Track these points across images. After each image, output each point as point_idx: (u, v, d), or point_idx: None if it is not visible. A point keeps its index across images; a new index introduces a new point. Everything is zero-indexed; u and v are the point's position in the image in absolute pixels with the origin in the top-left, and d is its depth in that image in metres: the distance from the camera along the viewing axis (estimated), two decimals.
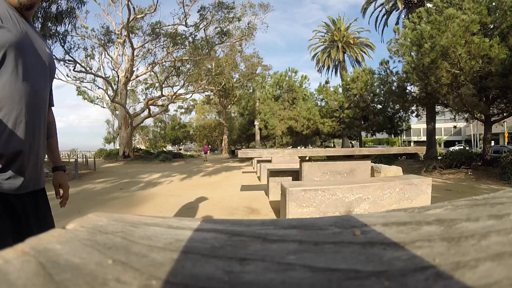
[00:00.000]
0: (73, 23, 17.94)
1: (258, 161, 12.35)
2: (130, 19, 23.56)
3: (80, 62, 26.89)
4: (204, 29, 25.27)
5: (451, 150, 15.01)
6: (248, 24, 28.16)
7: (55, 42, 20.92)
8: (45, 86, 1.44)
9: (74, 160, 16.94)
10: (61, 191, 1.88)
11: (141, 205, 6.83)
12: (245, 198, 6.89)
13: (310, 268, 0.28)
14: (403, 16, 26.50)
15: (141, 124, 37.98)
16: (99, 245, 0.34)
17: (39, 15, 14.46)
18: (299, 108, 28.92)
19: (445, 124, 55.98)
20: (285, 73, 32.51)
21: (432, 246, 0.32)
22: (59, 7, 15.57)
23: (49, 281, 0.27)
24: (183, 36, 25.66)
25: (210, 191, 8.50)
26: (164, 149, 46.68)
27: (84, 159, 24.04)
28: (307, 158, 5.58)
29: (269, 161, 11.49)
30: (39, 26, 14.73)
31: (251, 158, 19.68)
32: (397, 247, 0.32)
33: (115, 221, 0.42)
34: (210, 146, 59.45)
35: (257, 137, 36.46)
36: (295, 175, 6.56)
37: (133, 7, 24.14)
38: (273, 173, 6.77)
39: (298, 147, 33.66)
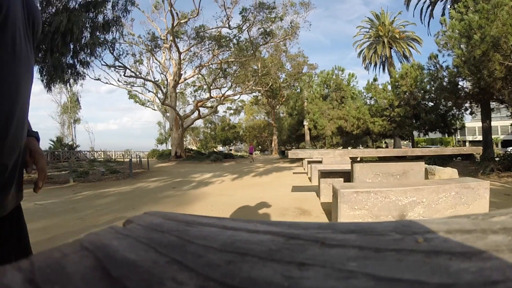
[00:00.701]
0: (120, 31, 18.90)
1: (309, 162, 12.21)
2: (174, 24, 24.44)
3: (129, 68, 28.43)
4: (247, 30, 25.56)
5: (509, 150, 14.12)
6: (290, 23, 28.12)
7: (105, 49, 22.23)
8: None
9: (128, 160, 17.64)
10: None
11: (193, 203, 7.00)
12: (296, 199, 6.84)
13: (373, 277, 0.26)
14: (449, 6, 24.94)
15: (192, 126, 38.80)
16: (155, 243, 0.34)
17: (87, 25, 15.29)
18: (348, 107, 28.30)
19: (502, 122, 52.25)
20: (332, 72, 31.96)
21: (500, 257, 0.29)
22: (105, 16, 16.62)
23: (106, 276, 0.27)
24: (227, 38, 26.11)
25: (260, 191, 8.54)
26: (214, 150, 47.47)
27: (138, 159, 25.04)
28: (358, 159, 5.46)
29: (320, 161, 11.34)
30: (88, 35, 15.59)
31: (301, 159, 19.57)
32: (464, 258, 0.29)
33: (170, 219, 0.42)
34: (260, 146, 59.66)
35: (307, 137, 36.07)
36: (346, 176, 6.41)
37: (176, 13, 25.08)
38: (324, 174, 6.66)
39: (349, 148, 33.04)
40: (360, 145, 36.95)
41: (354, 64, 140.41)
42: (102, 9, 15.93)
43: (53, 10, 14.80)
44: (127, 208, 6.75)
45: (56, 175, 14.56)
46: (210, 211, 6.10)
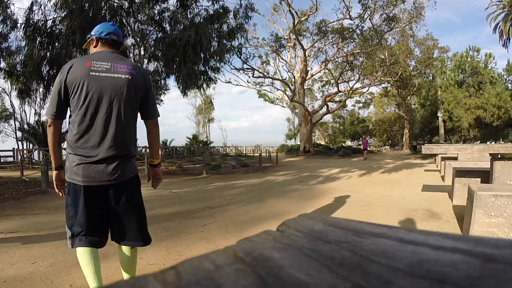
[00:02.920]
0: (244, 37, 20.37)
1: (443, 159, 11.27)
2: (295, 23, 25.05)
3: (257, 69, 30.72)
4: (369, 18, 24.78)
5: None
6: (413, 4, 26.21)
7: (233, 55, 24.66)
8: None
9: (258, 154, 18.48)
10: None
11: (319, 198, 7.01)
12: (426, 200, 6.37)
13: None
14: None
15: (320, 121, 38.91)
16: (326, 259, 0.28)
17: (213, 35, 16.88)
18: (486, 94, 25.26)
19: None
20: (466, 53, 28.96)
21: None
22: (229, 25, 18.08)
23: None
24: (350, 30, 25.55)
25: (389, 189, 8.17)
26: (343, 144, 46.83)
27: (267, 154, 26.02)
28: (500, 156, 4.84)
29: (455, 158, 10.40)
30: (215, 44, 17.24)
31: (434, 155, 18.19)
32: None
33: (333, 226, 0.36)
34: (390, 141, 56.96)
35: (441, 131, 33.51)
36: (485, 176, 5.66)
37: (295, 12, 25.82)
38: (459, 172, 5.98)
39: (488, 142, 29.53)
40: (501, 139, 32.96)
41: (490, 42, 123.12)
42: (225, 19, 17.41)
43: (181, 27, 16.72)
44: (254, 199, 7.11)
45: (191, 167, 15.99)
46: (335, 207, 6.07)
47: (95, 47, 2.30)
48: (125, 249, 2.32)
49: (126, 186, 2.18)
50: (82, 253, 2.13)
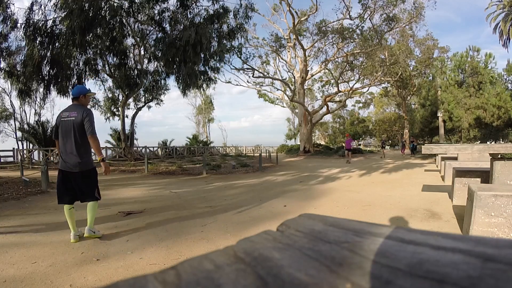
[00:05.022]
0: (244, 37, 20.23)
1: (443, 159, 11.27)
2: (295, 23, 25.03)
3: (257, 69, 30.66)
4: (369, 18, 24.69)
5: None
6: (414, 3, 26.02)
7: (233, 55, 24.93)
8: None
9: (258, 154, 18.44)
10: None
11: (319, 198, 7.02)
12: (426, 200, 6.39)
13: None
14: None
15: (320, 121, 38.83)
16: (326, 259, 0.28)
17: (213, 35, 16.91)
18: (486, 94, 25.19)
19: None
20: (466, 53, 28.85)
21: None
22: (229, 25, 18.04)
23: None
24: (350, 30, 25.48)
25: (389, 189, 8.18)
26: (343, 144, 46.82)
27: (267, 154, 25.96)
28: (500, 156, 4.81)
29: (455, 158, 10.40)
30: (215, 44, 17.31)
31: (434, 155, 18.16)
32: None
33: (333, 226, 0.36)
34: (390, 141, 56.74)
35: (441, 131, 33.43)
36: (485, 176, 5.67)
37: (295, 12, 25.69)
38: (459, 172, 5.99)
39: (488, 142, 29.48)
40: (501, 139, 32.90)
41: (490, 42, 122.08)
42: (225, 19, 17.36)
43: (181, 27, 16.68)
44: (254, 199, 7.11)
45: (191, 167, 15.95)
46: (335, 207, 6.07)
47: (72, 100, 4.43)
48: (88, 204, 4.25)
49: (84, 173, 4.22)
50: (64, 208, 4.15)
